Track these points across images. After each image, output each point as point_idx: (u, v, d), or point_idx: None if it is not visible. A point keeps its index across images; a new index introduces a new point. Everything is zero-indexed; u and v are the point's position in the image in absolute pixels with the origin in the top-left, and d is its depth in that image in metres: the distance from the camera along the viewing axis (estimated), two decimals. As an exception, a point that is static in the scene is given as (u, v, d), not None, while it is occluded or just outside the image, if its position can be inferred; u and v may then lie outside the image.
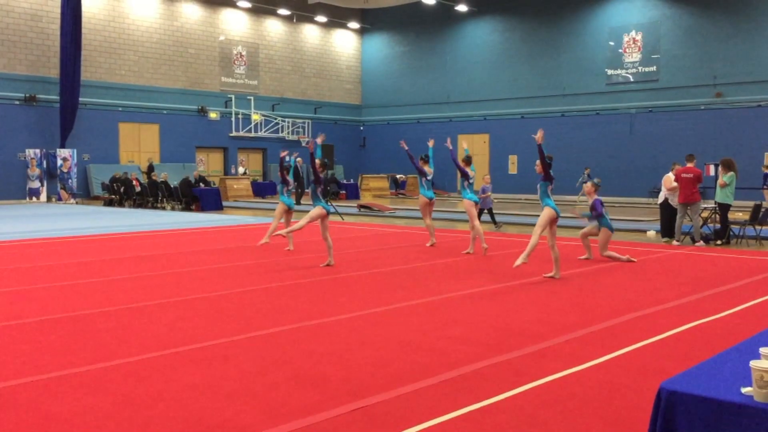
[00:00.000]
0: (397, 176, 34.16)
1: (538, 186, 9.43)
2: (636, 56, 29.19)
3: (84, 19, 26.43)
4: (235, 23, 32.54)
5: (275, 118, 33.69)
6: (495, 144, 33.22)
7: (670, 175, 13.91)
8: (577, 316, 6.96)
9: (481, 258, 11.28)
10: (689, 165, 13.41)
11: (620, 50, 29.54)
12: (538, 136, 9.16)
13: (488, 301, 7.72)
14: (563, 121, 31.01)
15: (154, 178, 24.64)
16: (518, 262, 9.14)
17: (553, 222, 9.16)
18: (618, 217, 18.98)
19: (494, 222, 16.76)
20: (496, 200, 29.08)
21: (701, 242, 13.31)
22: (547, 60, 31.50)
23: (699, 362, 3.30)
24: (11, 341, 5.89)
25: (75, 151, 26.22)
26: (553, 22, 31.35)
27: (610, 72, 29.90)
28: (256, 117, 32.92)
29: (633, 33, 29.26)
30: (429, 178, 12.75)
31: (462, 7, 32.89)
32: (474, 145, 34.03)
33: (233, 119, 32.32)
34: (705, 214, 14.29)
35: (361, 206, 23.08)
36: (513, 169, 32.64)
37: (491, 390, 4.67)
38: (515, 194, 31.60)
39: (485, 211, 16.48)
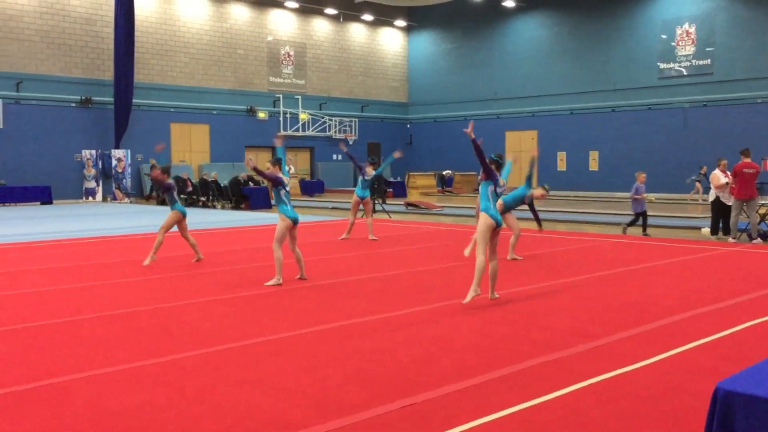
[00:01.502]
0: (444, 173, 34.01)
1: (479, 188, 7.68)
2: (689, 49, 28.46)
3: (137, 23, 27.05)
4: (282, 23, 32.87)
5: (322, 117, 33.93)
6: (543, 140, 32.81)
7: (717, 173, 13.55)
8: (629, 315, 6.84)
9: (524, 257, 11.16)
10: (747, 160, 13.03)
11: (673, 43, 28.84)
12: (469, 129, 7.13)
13: (537, 300, 7.64)
14: (614, 116, 30.46)
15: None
16: (468, 296, 7.25)
17: (494, 233, 7.30)
18: (671, 213, 18.57)
19: (644, 229, 14.15)
20: (544, 197, 28.76)
21: (758, 239, 12.92)
22: (596, 54, 30.98)
23: (756, 362, 3.21)
24: (69, 337, 6.07)
25: (129, 151, 26.87)
26: (602, 15, 30.80)
27: (662, 66, 29.22)
28: (303, 116, 33.20)
29: (686, 25, 28.54)
30: (367, 178, 13.35)
31: (509, 3, 32.57)
32: (522, 142, 33.70)
33: (281, 119, 32.66)
34: (762, 210, 13.86)
35: (408, 204, 23.07)
36: (562, 166, 32.21)
37: (541, 389, 4.62)
38: (564, 191, 31.18)
39: (638, 216, 14.13)
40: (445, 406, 4.32)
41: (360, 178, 13.39)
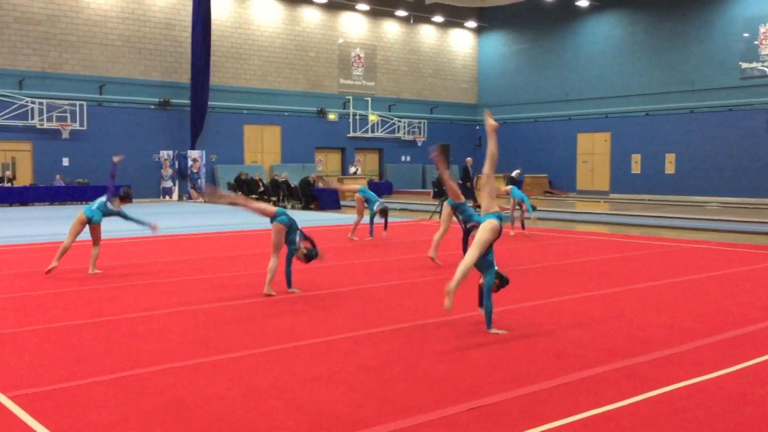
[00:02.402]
0: (513, 174, 33.57)
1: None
2: (774, 48, 27.29)
3: (213, 27, 27.81)
4: (353, 26, 33.18)
5: (391, 119, 34.07)
6: (617, 143, 32.06)
7: None
8: (704, 323, 6.63)
9: (597, 261, 10.94)
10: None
11: (756, 42, 27.69)
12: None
13: (608, 306, 7.49)
14: (691, 118, 29.48)
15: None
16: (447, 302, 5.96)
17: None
18: (752, 219, 17.85)
19: None
20: (617, 201, 28.11)
21: None
22: (673, 54, 30.05)
23: None
24: (145, 331, 6.31)
25: (204, 152, 27.65)
26: (680, 14, 29.86)
27: (744, 65, 28.10)
28: (373, 117, 33.43)
29: (770, 23, 27.38)
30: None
31: (583, 2, 31.97)
32: (594, 144, 33.00)
33: (351, 120, 32.97)
34: None
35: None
36: (636, 169, 31.37)
37: (613, 395, 4.54)
38: (638, 194, 30.38)
39: None
40: (513, 410, 4.30)
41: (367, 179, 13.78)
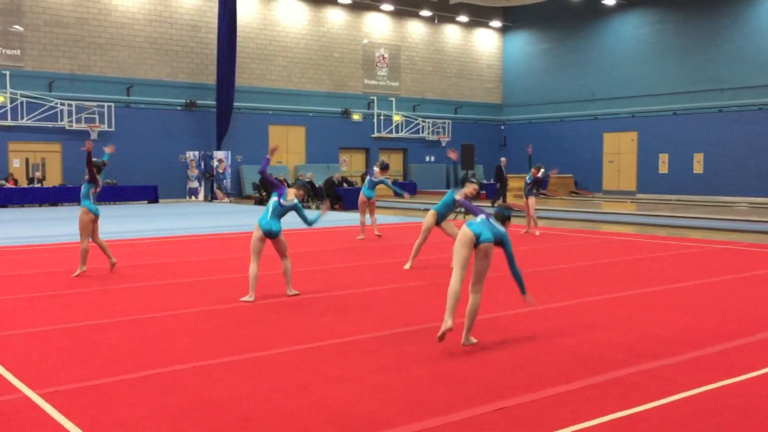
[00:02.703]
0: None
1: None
2: (805, 45, 26.81)
3: (238, 28, 28.01)
4: (377, 26, 33.21)
5: (416, 119, 34.04)
6: (644, 142, 31.71)
7: None
8: (732, 324, 6.53)
9: (623, 262, 10.83)
10: None
11: (787, 39, 27.24)
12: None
13: (634, 307, 7.41)
14: (721, 117, 29.06)
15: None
16: (441, 330, 5.55)
17: (477, 252, 5.70)
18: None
19: None
20: (644, 201, 27.80)
21: None
22: (702, 52, 29.64)
23: None
24: (174, 330, 6.37)
25: (229, 152, 27.86)
26: (710, 11, 29.44)
27: (774, 63, 27.64)
28: (397, 118, 33.43)
29: (802, 20, 26.90)
30: (374, 179, 13.94)
31: (609, 1, 31.67)
32: (621, 144, 32.68)
33: (375, 120, 33.00)
34: None
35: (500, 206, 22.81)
36: (663, 169, 31.00)
37: (640, 398, 4.49)
38: (665, 195, 30.02)
39: None
40: (539, 411, 4.27)
41: (367, 178, 14.10)
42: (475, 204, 6.19)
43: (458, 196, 8.61)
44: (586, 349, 5.64)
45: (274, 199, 7.78)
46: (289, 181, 26.38)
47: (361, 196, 13.98)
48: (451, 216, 10.90)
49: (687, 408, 4.33)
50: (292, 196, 7.81)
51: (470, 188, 9.22)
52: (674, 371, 5.08)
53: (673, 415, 4.22)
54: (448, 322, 5.51)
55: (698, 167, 29.76)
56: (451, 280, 5.69)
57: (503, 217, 5.85)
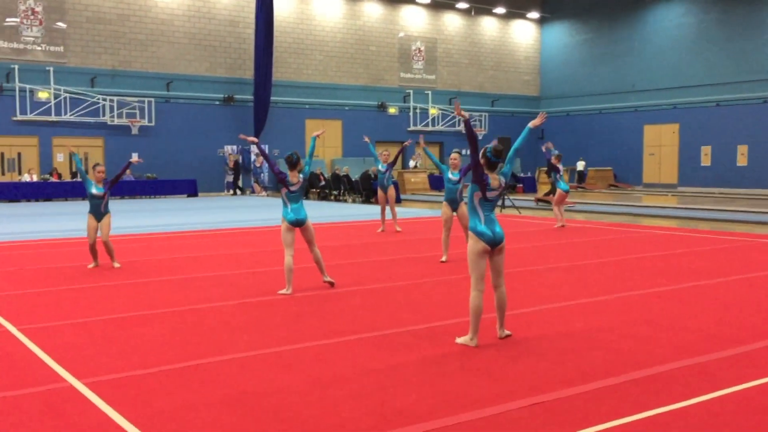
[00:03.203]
0: (578, 168, 32.91)
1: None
2: None
3: (275, 23, 28.20)
4: (414, 19, 33.11)
5: (452, 112, 33.88)
6: (685, 134, 31.10)
7: None
8: (780, 321, 6.38)
9: (664, 256, 10.64)
10: None
11: (836, 27, 26.42)
12: (457, 109, 5.52)
13: (675, 302, 7.29)
14: (766, 108, 28.34)
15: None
16: (460, 340, 5.63)
17: (493, 254, 5.55)
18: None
19: None
20: (685, 194, 27.29)
21: None
22: (746, 42, 28.91)
23: None
24: (212, 322, 6.46)
25: (266, 146, 28.09)
26: (754, 0, 28.69)
27: (823, 52, 26.85)
28: (433, 111, 33.32)
29: None
30: (382, 170, 13.70)
31: (650, -10, 31.10)
32: (662, 136, 32.10)
33: (411, 114, 32.94)
34: None
35: (538, 200, 22.63)
36: (706, 161, 30.37)
37: (681, 394, 4.42)
38: (708, 188, 29.41)
39: None
40: (577, 406, 4.23)
41: (379, 174, 13.88)
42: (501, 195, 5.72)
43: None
44: (625, 345, 5.57)
45: (284, 190, 7.72)
46: (326, 175, 26.50)
47: (379, 192, 13.94)
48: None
49: (729, 405, 4.25)
50: (295, 178, 7.72)
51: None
52: (716, 367, 4.98)
53: (714, 412, 4.14)
54: (474, 340, 5.49)
55: (742, 159, 29.09)
56: (471, 294, 5.48)
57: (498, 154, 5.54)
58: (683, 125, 31.17)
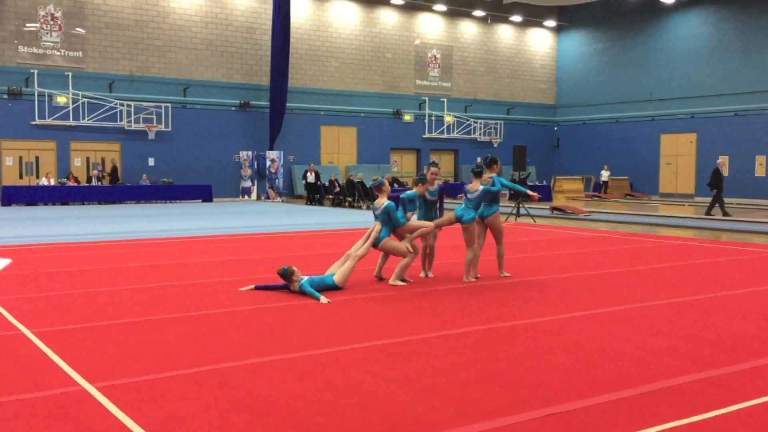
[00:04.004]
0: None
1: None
2: None
3: (292, 30, 28.33)
4: (430, 27, 33.15)
5: (467, 120, 33.85)
6: (703, 144, 30.87)
7: None
8: (799, 334, 6.28)
9: (681, 266, 10.54)
10: None
11: None
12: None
13: (693, 313, 7.20)
14: (784, 118, 28.08)
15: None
16: (466, 278, 9.06)
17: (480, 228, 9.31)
18: None
19: None
20: (702, 204, 27.01)
21: None
22: (766, 51, 28.68)
23: None
24: (227, 327, 6.46)
25: (282, 152, 28.19)
26: (774, 9, 28.48)
27: (843, 62, 26.57)
28: (448, 119, 33.30)
29: None
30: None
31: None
32: (679, 146, 31.89)
33: (426, 121, 32.94)
34: None
35: (553, 209, 22.52)
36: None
37: (697, 406, 4.35)
38: (726, 198, 29.08)
39: None
40: (592, 418, 4.18)
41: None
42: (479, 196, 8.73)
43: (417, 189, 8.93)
44: (641, 355, 5.50)
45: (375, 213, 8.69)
46: (340, 182, 26.53)
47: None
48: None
49: (747, 419, 4.18)
50: (381, 202, 8.60)
51: (420, 188, 8.91)
52: (734, 380, 4.91)
53: (732, 425, 4.07)
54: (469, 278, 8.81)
55: (760, 170, 28.83)
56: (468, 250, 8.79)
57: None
58: (701, 135, 30.94)
